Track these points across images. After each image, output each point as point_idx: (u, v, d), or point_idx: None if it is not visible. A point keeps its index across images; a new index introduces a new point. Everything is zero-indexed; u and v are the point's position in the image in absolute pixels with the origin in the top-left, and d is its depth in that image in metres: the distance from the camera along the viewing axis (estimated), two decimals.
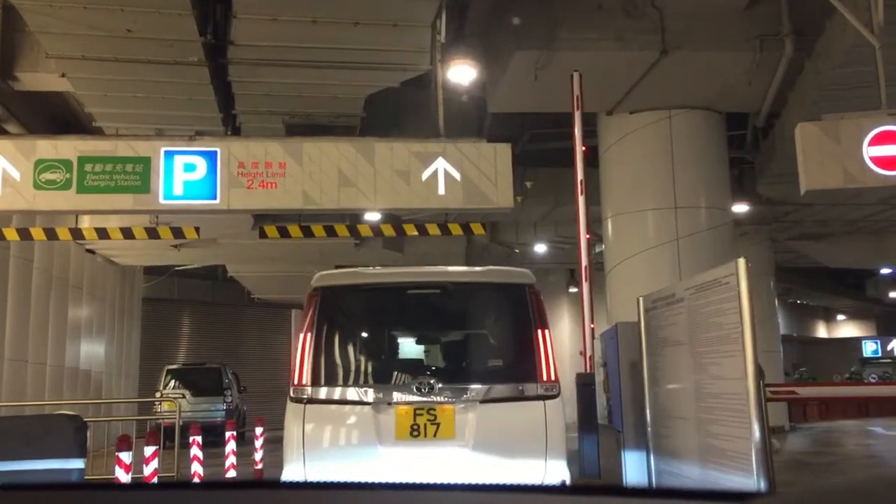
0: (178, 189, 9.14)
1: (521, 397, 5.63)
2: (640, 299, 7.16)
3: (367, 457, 5.43)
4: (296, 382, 5.65)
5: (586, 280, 12.73)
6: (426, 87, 13.53)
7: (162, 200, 9.11)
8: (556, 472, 5.45)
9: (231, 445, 10.31)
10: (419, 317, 6.48)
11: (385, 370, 6.06)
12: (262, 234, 9.88)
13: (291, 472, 5.46)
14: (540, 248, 21.82)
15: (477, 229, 10.20)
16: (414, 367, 6.12)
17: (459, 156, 9.55)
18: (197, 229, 9.94)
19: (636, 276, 14.34)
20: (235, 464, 10.43)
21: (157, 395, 20.20)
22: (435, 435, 5.45)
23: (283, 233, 9.90)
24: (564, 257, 23.06)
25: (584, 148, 12.13)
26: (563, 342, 27.23)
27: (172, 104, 11.61)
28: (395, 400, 5.55)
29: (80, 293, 18.89)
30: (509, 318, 6.21)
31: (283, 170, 9.30)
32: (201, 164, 9.20)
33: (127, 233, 10.51)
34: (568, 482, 5.38)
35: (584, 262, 12.16)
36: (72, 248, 18.32)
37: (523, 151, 17.09)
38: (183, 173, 9.19)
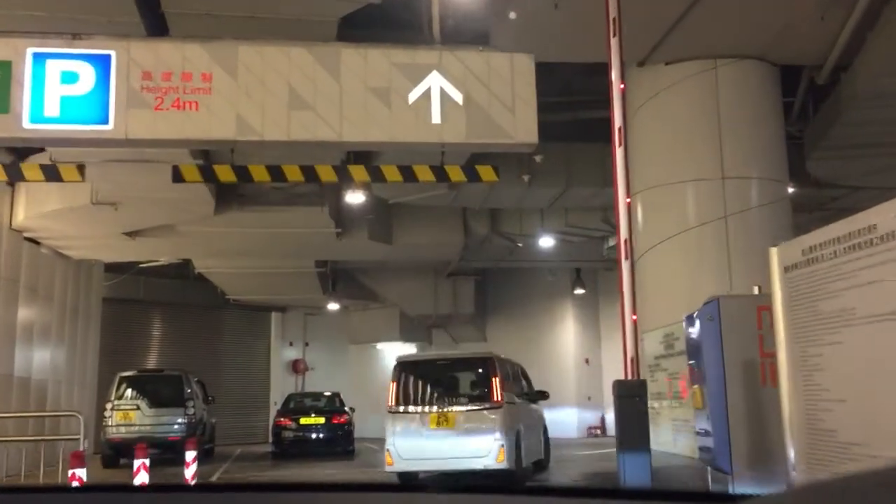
0: (51, 108, 6.07)
1: (484, 408, 11.16)
2: (775, 251, 4.08)
3: (418, 435, 11.18)
4: (389, 404, 11.66)
5: (626, 258, 9.73)
6: (417, 25, 10.50)
7: (27, 124, 6.04)
8: (501, 445, 10.76)
9: (141, 477, 7.13)
10: (440, 373, 12.40)
11: (425, 397, 11.76)
12: (178, 178, 6.74)
13: (389, 444, 11.33)
14: (546, 242, 18.72)
15: (487, 174, 7.07)
16: (438, 396, 11.70)
17: (462, 70, 6.50)
18: (80, 169, 6.83)
19: (674, 263, 11.31)
20: None
21: (108, 405, 16.98)
22: (446, 425, 11.12)
23: (208, 175, 6.78)
24: (573, 253, 20.00)
25: (622, 85, 9.20)
26: (566, 348, 24.15)
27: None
28: (429, 410, 11.33)
29: (15, 287, 15.69)
30: (480, 372, 11.75)
31: (209, 84, 6.24)
32: (87, 74, 6.12)
33: None
34: (506, 446, 10.70)
35: (624, 233, 9.14)
36: (4, 235, 15.16)
37: None
38: (60, 86, 6.12)
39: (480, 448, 10.74)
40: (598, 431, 23.41)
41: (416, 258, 20.34)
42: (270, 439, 20.05)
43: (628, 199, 9.24)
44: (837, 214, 16.97)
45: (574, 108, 14.60)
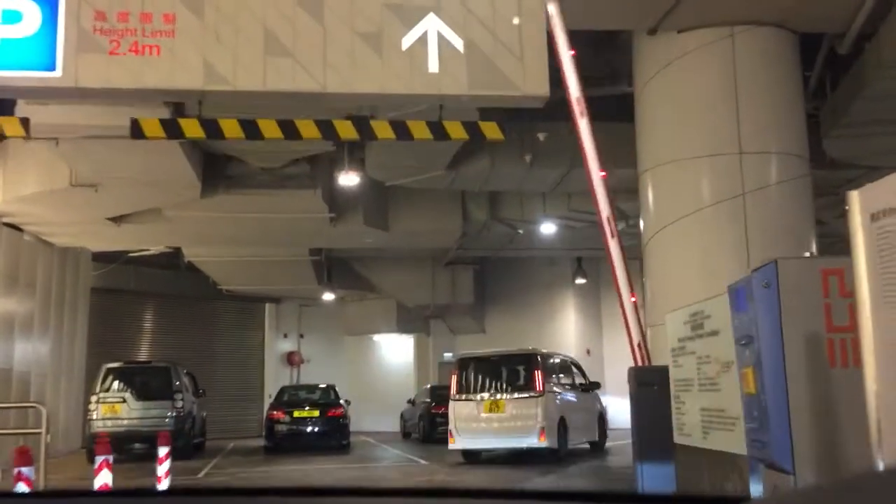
0: None
1: (528, 396, 13.16)
2: (857, 195, 3.23)
3: (473, 419, 13.26)
4: (451, 393, 13.88)
5: (612, 236, 9.16)
6: None
7: None
8: (542, 427, 12.78)
9: (104, 477, 6.24)
10: (493, 367, 14.09)
11: (480, 386, 13.74)
12: (137, 132, 5.85)
13: (452, 426, 13.47)
14: (547, 229, 17.85)
15: (491, 131, 6.21)
16: (490, 385, 13.74)
17: (463, 12, 5.63)
18: (24, 123, 5.95)
19: (686, 246, 10.43)
20: None
21: (93, 398, 16.15)
22: (497, 411, 13.24)
23: (172, 129, 5.88)
24: (574, 241, 19.13)
25: (573, 52, 8.59)
26: (567, 338, 23.32)
27: None
28: (483, 398, 13.45)
29: None
30: (526, 366, 13.67)
31: (172, 25, 5.37)
32: (32, 13, 5.25)
33: None
34: (546, 428, 12.79)
35: (605, 211, 8.47)
36: None
37: None
38: (0, 27, 5.22)
39: (525, 430, 12.84)
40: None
41: (413, 246, 19.48)
42: (264, 433, 19.21)
43: (603, 174, 8.98)
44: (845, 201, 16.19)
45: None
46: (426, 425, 19.46)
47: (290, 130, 5.93)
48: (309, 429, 17.99)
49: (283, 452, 17.31)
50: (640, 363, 9.03)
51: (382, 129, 5.97)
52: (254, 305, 24.89)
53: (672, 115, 10.67)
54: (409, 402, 21.75)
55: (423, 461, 14.98)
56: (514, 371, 13.79)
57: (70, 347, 18.69)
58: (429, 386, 21.55)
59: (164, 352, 21.66)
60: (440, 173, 14.27)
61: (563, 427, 13.31)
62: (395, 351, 26.13)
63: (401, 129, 5.94)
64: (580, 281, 22.66)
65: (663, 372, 6.61)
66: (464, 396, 13.56)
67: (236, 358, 24.51)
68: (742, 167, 10.24)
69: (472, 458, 13.86)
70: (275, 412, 18.19)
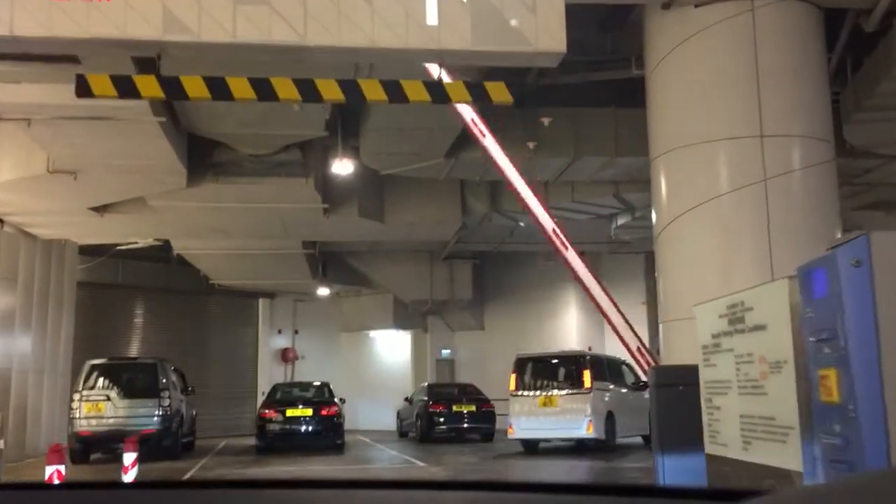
0: None
1: (578, 392, 14.50)
2: None
3: (530, 412, 14.76)
4: (511, 389, 15.29)
5: (567, 249, 8.84)
6: None
7: None
8: (589, 420, 14.15)
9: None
10: (547, 366, 15.78)
11: (535, 383, 15.25)
12: (84, 90, 5.00)
13: (511, 419, 15.07)
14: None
15: (499, 93, 5.34)
16: (544, 382, 15.24)
17: None
18: None
19: (703, 236, 9.60)
20: None
21: (76, 396, 15.31)
22: (550, 405, 14.68)
23: (125, 87, 5.02)
24: (577, 234, 18.24)
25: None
26: (568, 336, 22.49)
27: None
28: (538, 394, 14.94)
29: None
30: (575, 365, 15.12)
31: None
32: None
33: None
34: (594, 421, 14.18)
35: (549, 224, 7.93)
36: None
37: (534, 87, 12.35)
38: None
39: (574, 422, 14.30)
40: None
41: (410, 239, 18.64)
42: (255, 432, 18.36)
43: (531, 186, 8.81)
44: (864, 190, 15.34)
45: (584, 69, 12.90)
46: (424, 424, 18.64)
47: (264, 90, 5.05)
48: (302, 428, 17.16)
49: (275, 452, 16.49)
50: (644, 366, 8.23)
51: (372, 90, 5.10)
52: (247, 300, 24.04)
53: (688, 96, 9.83)
54: (406, 400, 20.92)
55: (420, 462, 14.19)
56: (566, 370, 15.30)
57: (55, 343, 17.84)
58: (426, 384, 20.72)
59: (154, 348, 20.83)
60: (438, 161, 13.44)
61: (610, 420, 14.61)
62: (392, 348, 25.31)
63: (394, 90, 5.06)
64: None
65: (691, 371, 5.78)
66: (521, 393, 15.10)
67: (229, 354, 23.68)
68: (763, 151, 9.40)
69: (531, 448, 15.20)
70: (267, 411, 17.33)
